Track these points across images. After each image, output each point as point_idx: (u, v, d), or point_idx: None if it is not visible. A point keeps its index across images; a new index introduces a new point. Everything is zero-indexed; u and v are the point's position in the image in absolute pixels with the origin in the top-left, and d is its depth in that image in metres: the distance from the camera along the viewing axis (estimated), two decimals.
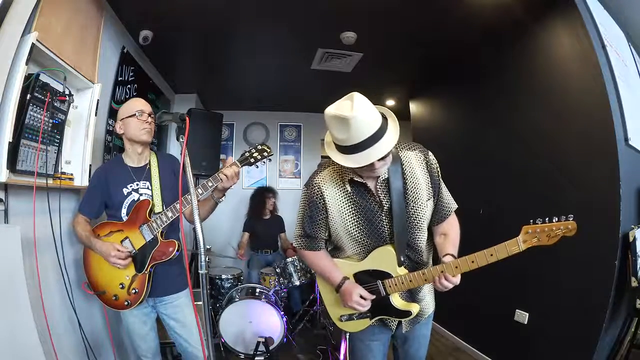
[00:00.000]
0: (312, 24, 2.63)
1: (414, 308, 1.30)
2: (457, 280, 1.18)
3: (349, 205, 1.26)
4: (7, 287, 1.29)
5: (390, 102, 4.58)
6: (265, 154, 1.52)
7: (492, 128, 2.77)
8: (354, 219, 1.26)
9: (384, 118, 1.13)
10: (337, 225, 1.29)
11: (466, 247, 1.33)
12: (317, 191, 1.29)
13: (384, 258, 1.27)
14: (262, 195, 4.08)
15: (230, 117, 4.66)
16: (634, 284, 1.84)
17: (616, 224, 1.82)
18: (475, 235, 1.47)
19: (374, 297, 1.28)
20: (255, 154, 1.51)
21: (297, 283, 3.00)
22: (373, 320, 1.35)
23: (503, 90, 2.67)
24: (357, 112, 1.02)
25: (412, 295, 1.35)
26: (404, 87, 4.05)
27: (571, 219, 1.04)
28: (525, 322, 2.29)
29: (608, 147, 1.87)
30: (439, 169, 1.32)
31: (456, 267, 1.15)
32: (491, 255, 1.11)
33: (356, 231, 1.27)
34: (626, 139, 1.94)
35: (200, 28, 2.65)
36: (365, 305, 1.26)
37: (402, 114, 4.51)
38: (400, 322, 1.36)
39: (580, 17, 2.00)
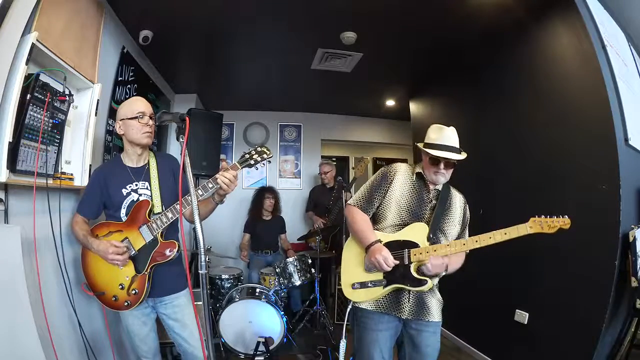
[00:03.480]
0: (312, 24, 2.63)
1: (430, 280, 1.46)
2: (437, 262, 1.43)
3: (409, 187, 1.59)
4: (7, 287, 1.29)
5: (390, 102, 4.55)
6: (265, 155, 1.51)
7: (492, 128, 2.77)
8: (408, 195, 1.57)
9: (463, 151, 1.57)
10: (393, 196, 1.58)
11: None
12: (393, 171, 1.61)
13: (416, 231, 1.51)
14: (261, 196, 4.00)
15: (230, 117, 4.65)
16: (634, 284, 1.84)
17: (616, 224, 1.82)
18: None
19: (397, 262, 1.45)
20: (255, 156, 1.51)
21: (297, 283, 3.00)
22: (386, 289, 1.48)
23: (503, 90, 2.67)
24: (450, 129, 1.57)
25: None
26: (404, 87, 4.04)
27: (566, 217, 1.33)
28: (525, 322, 2.29)
29: (608, 147, 1.87)
30: (469, 219, 1.64)
31: (476, 241, 1.40)
32: (505, 234, 1.36)
33: (404, 202, 1.56)
34: (626, 139, 1.94)
35: (200, 28, 2.66)
36: (389, 265, 1.43)
37: (402, 114, 4.50)
38: (406, 319, 1.51)
39: (580, 17, 2.00)
